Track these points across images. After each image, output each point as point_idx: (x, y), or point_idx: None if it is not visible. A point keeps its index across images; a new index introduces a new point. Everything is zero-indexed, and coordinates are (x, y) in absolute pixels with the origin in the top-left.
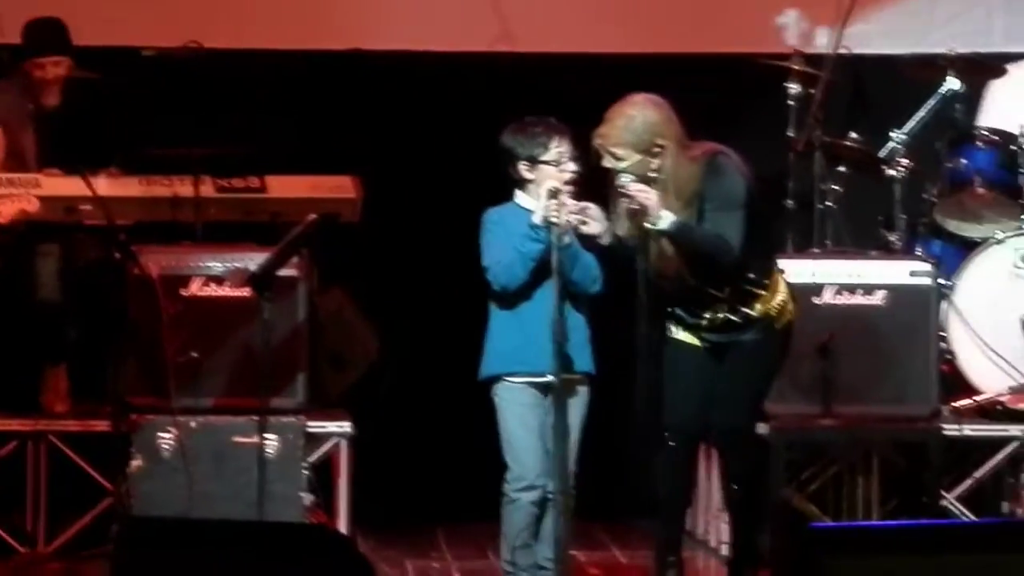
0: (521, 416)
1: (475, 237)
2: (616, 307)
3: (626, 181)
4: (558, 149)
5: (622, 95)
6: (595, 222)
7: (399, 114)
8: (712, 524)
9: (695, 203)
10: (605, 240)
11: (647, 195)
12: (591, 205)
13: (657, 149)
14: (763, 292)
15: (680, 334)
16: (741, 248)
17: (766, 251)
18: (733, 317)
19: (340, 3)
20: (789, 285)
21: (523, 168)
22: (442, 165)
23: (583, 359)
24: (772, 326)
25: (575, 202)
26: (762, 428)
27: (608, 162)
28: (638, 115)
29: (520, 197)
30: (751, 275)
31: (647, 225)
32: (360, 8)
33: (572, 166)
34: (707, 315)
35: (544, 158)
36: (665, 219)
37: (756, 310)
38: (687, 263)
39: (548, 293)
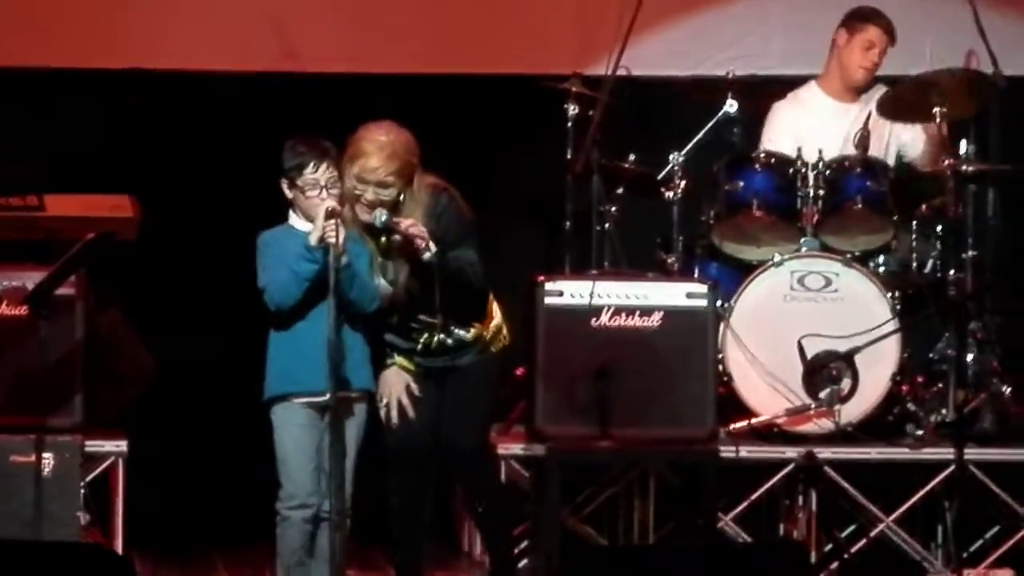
0: (295, 435)
1: (255, 257)
2: None
3: (387, 218)
4: (312, 175)
5: (402, 114)
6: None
7: (178, 133)
8: (475, 536)
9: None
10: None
11: (420, 230)
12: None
13: (411, 169)
14: (479, 321)
15: (397, 360)
16: (480, 276)
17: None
18: (448, 340)
19: (121, 21)
20: (502, 313)
21: (284, 186)
22: (222, 185)
23: (360, 377)
24: (488, 349)
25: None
26: (538, 449)
27: (372, 192)
28: (394, 138)
29: (292, 218)
30: (467, 304)
31: (422, 258)
32: (142, 26)
33: (324, 195)
34: (422, 340)
35: (299, 181)
36: (431, 251)
37: (471, 333)
38: (441, 291)
39: (324, 313)
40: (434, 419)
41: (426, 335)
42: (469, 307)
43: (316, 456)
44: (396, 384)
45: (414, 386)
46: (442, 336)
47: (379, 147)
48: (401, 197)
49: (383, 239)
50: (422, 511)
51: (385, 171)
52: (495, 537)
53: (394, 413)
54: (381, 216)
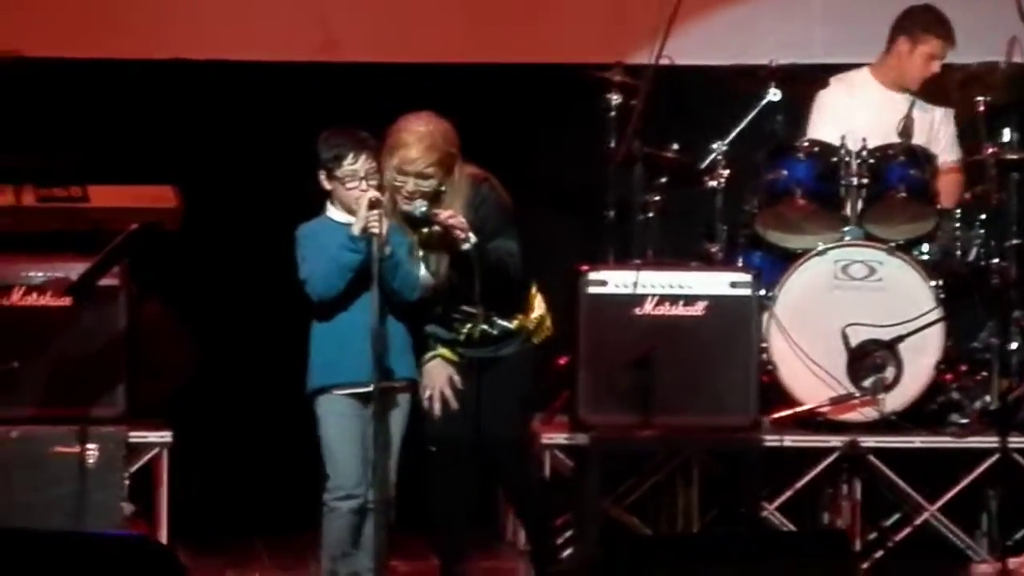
0: (340, 426)
1: (294, 248)
2: None
3: (426, 210)
4: (352, 166)
5: (442, 104)
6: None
7: (221, 124)
8: (518, 526)
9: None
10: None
11: (457, 219)
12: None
13: (451, 159)
14: (520, 311)
15: (440, 351)
16: (520, 266)
17: (526, 273)
18: (491, 330)
19: (162, 12)
20: (545, 304)
21: (323, 178)
22: (264, 175)
23: (404, 366)
24: (531, 340)
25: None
26: (581, 438)
27: (413, 183)
28: (433, 129)
29: (330, 210)
30: (513, 294)
31: (461, 248)
32: (182, 18)
33: (364, 185)
34: (464, 330)
35: (337, 172)
36: (471, 241)
37: (514, 324)
38: (482, 281)
39: (367, 303)
40: (475, 410)
41: (469, 325)
42: (510, 298)
43: (361, 446)
44: (440, 376)
45: (457, 378)
46: (485, 327)
47: (419, 138)
48: (442, 187)
49: (424, 229)
50: (463, 501)
51: (425, 162)
52: (536, 527)
53: (437, 405)
54: (421, 207)
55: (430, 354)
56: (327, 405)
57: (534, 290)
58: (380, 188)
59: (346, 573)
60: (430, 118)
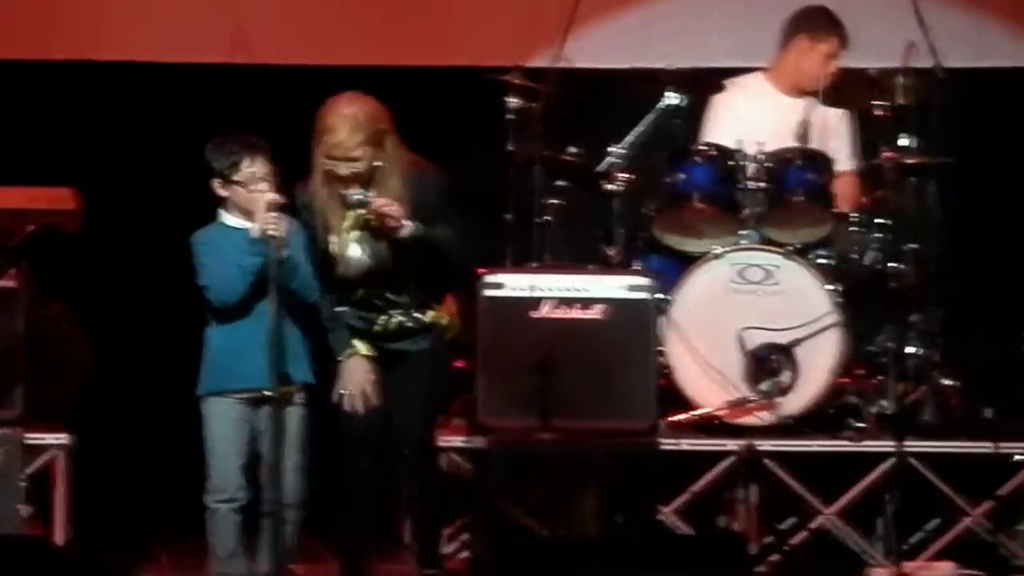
0: (225, 429)
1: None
2: None
3: (360, 197)
4: (249, 169)
5: None
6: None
7: (123, 125)
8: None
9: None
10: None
11: (393, 207)
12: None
13: (381, 137)
14: (437, 305)
15: (358, 348)
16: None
17: (446, 269)
18: (407, 322)
19: (68, 12)
20: (457, 306)
21: (217, 185)
22: (166, 178)
23: (299, 370)
24: (442, 337)
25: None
26: (479, 441)
27: (345, 167)
28: (357, 109)
29: (224, 216)
30: (430, 287)
31: (397, 236)
32: (89, 17)
33: (262, 186)
34: (381, 320)
35: (235, 177)
36: (408, 226)
37: (429, 317)
38: (415, 267)
39: (264, 307)
40: (384, 405)
41: (385, 316)
42: (440, 285)
43: (245, 450)
44: (359, 373)
45: (374, 376)
46: (401, 319)
47: (342, 120)
48: (377, 164)
49: (365, 216)
50: (371, 502)
51: (351, 143)
52: (428, 528)
53: (359, 404)
54: (355, 195)
55: (348, 351)
56: (215, 407)
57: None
58: (278, 190)
59: (238, 574)
60: (353, 98)
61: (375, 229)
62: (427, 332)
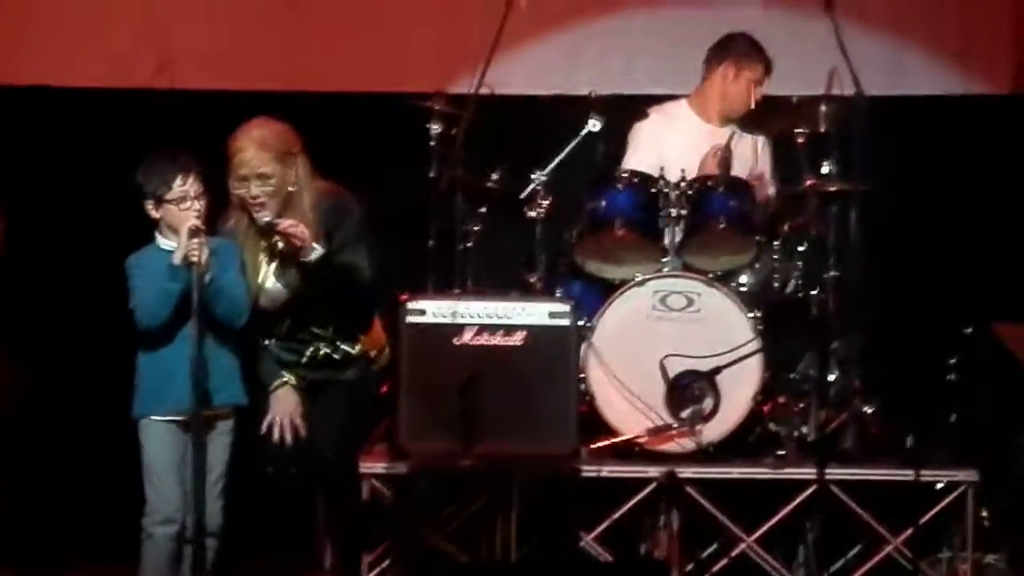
0: (161, 452)
1: (124, 274)
2: None
3: (271, 220)
4: (182, 188)
5: None
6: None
7: (49, 147)
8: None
9: (318, 228)
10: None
11: (302, 231)
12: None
13: (293, 160)
14: (365, 335)
15: (288, 379)
16: (371, 279)
17: (373, 297)
18: (334, 355)
19: None
20: (385, 332)
21: (150, 207)
22: (93, 202)
23: (230, 393)
24: (370, 367)
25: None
26: (400, 467)
27: (255, 187)
28: (265, 130)
29: (159, 239)
30: (358, 317)
31: (302, 259)
32: (10, 42)
33: (197, 205)
34: (308, 351)
35: (168, 197)
36: (316, 251)
37: (356, 349)
38: (323, 294)
39: (188, 330)
40: (309, 433)
41: (312, 347)
42: (359, 314)
43: (181, 473)
44: (288, 403)
45: (303, 407)
46: (328, 350)
47: (251, 140)
48: (290, 188)
49: (275, 240)
50: (292, 526)
51: (259, 161)
52: (348, 554)
53: (288, 435)
54: (264, 216)
55: (278, 382)
56: (149, 431)
57: (376, 316)
58: (204, 214)
59: None
60: (264, 120)
61: (284, 255)
62: (356, 362)
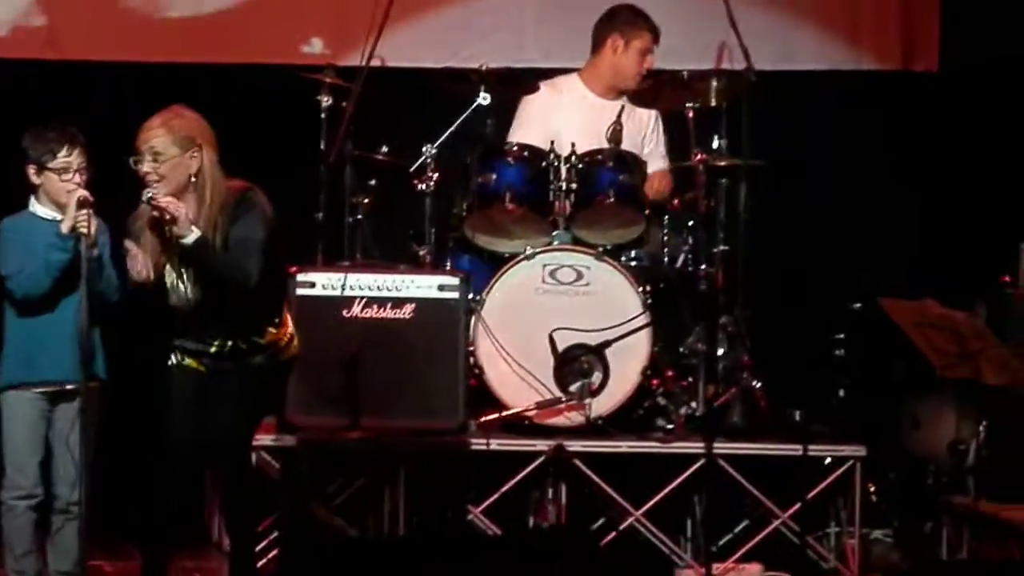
0: (24, 425)
1: None
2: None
3: (156, 192)
4: (66, 158)
5: (162, 104)
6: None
7: None
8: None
9: (221, 228)
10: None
11: (177, 207)
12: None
13: (195, 151)
14: (273, 327)
15: (185, 361)
16: (257, 280)
17: (281, 289)
18: (242, 345)
19: None
20: (295, 324)
21: (31, 172)
22: None
23: (96, 366)
24: (278, 356)
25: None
26: (288, 440)
27: (147, 163)
28: (176, 116)
29: (35, 205)
30: (265, 309)
31: (174, 236)
32: None
33: (77, 178)
34: (216, 343)
35: (51, 165)
36: (193, 234)
37: (264, 339)
38: (200, 283)
39: (68, 303)
40: (205, 415)
41: (219, 340)
42: (259, 309)
43: (43, 446)
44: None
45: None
46: (234, 341)
47: (158, 119)
48: (193, 180)
49: (155, 217)
50: (178, 500)
51: (157, 136)
52: (240, 531)
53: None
54: (147, 192)
55: (174, 362)
56: (14, 402)
57: (287, 307)
58: (89, 186)
59: (33, 571)
60: (179, 108)
61: (165, 236)
62: (263, 352)
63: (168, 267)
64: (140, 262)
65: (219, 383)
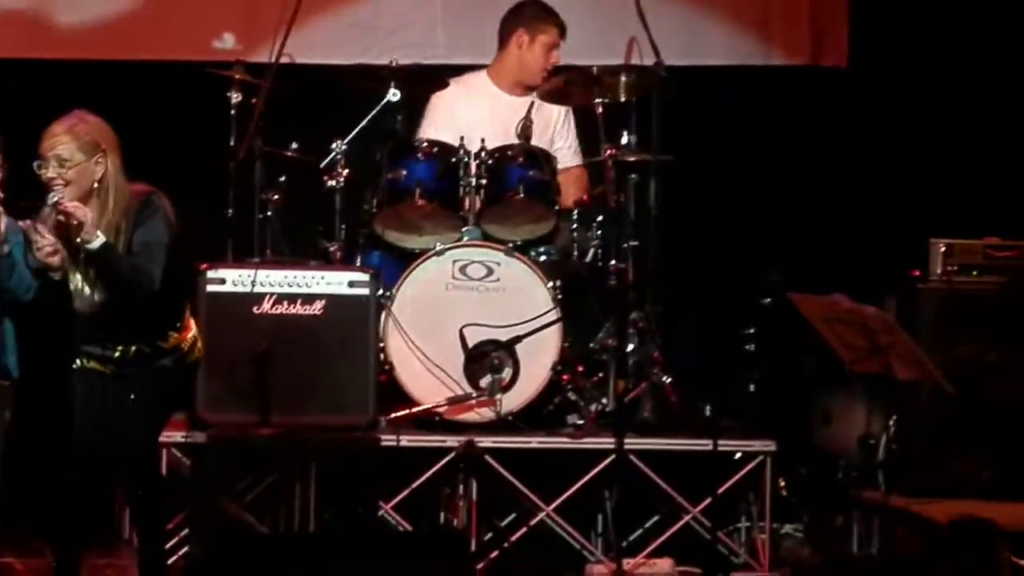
0: None
1: None
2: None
3: (60, 196)
4: None
5: (74, 101)
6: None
7: None
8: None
9: (124, 233)
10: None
11: (84, 212)
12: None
13: (100, 157)
14: (176, 331)
15: (89, 364)
16: (160, 284)
17: (183, 292)
18: (146, 349)
19: None
20: (205, 321)
21: None
22: None
23: (8, 364)
24: (184, 359)
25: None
26: (199, 436)
27: (53, 169)
28: (80, 122)
29: None
30: (168, 313)
31: (80, 241)
32: None
33: None
34: (120, 348)
35: None
36: (98, 239)
37: (168, 343)
38: (105, 288)
39: None
40: (114, 414)
41: (122, 347)
42: (163, 314)
43: None
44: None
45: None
46: (138, 346)
47: (61, 125)
48: (96, 185)
49: (60, 220)
50: (86, 500)
51: (62, 142)
52: (149, 530)
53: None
54: (52, 197)
55: (79, 365)
56: None
57: (187, 310)
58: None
59: None
60: (82, 113)
61: (71, 242)
62: (169, 354)
63: (72, 271)
64: (48, 240)
65: (124, 385)
